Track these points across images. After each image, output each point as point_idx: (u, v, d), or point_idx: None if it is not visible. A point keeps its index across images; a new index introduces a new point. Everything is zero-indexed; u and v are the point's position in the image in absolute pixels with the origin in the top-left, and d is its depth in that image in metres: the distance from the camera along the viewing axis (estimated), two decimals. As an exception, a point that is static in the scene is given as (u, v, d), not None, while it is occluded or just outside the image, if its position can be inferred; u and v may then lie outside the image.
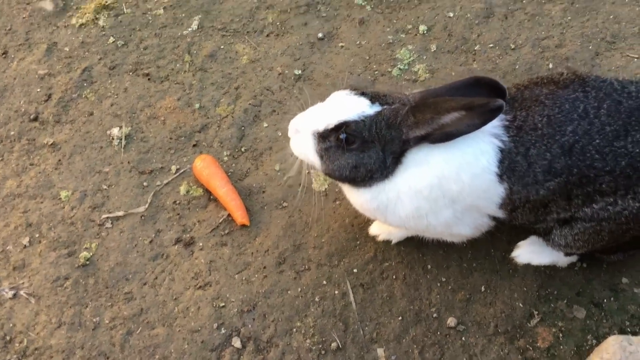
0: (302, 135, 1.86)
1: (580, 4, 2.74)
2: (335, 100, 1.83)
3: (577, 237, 1.86)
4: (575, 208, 1.80)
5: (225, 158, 2.50)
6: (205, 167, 2.40)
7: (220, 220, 2.35)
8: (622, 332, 2.04)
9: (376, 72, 2.66)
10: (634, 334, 2.04)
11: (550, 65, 2.57)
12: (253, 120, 2.60)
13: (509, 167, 1.76)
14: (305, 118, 1.86)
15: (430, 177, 1.80)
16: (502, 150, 1.75)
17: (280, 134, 2.55)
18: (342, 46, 2.75)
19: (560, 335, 2.05)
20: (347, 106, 1.79)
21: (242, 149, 2.52)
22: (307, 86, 2.65)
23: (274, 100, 2.64)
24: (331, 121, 1.78)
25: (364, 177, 1.84)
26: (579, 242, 1.87)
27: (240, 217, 2.31)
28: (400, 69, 2.65)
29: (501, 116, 1.74)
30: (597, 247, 1.90)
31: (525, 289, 2.14)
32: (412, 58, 2.67)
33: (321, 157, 1.85)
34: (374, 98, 1.79)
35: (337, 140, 1.79)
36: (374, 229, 2.26)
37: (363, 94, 1.81)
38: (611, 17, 2.68)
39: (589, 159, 1.71)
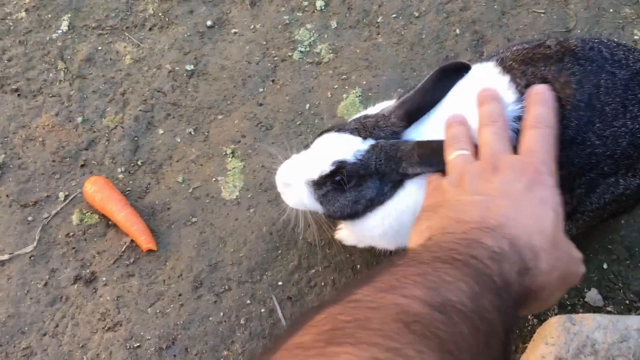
0: (295, 187, 1.72)
1: (480, -39, 2.59)
2: (324, 143, 1.69)
3: (580, 227, 1.78)
4: (578, 198, 1.67)
5: (120, 176, 2.23)
6: (98, 191, 2.12)
7: (124, 248, 2.09)
8: (562, 306, 1.97)
9: (276, 58, 2.43)
10: (573, 307, 1.98)
11: (457, 31, 2.43)
12: (146, 128, 2.32)
13: None
14: (294, 168, 1.72)
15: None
16: None
17: (179, 140, 2.29)
18: (235, 33, 2.49)
19: (501, 319, 1.96)
20: (338, 147, 1.64)
21: (139, 163, 2.25)
22: (202, 82, 2.39)
23: (167, 102, 2.37)
24: (325, 167, 1.65)
25: (365, 209, 1.71)
26: (582, 228, 1.79)
27: (145, 242, 2.06)
28: (301, 51, 2.43)
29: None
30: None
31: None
32: (312, 38, 2.46)
33: (321, 203, 1.73)
34: (362, 133, 1.64)
35: (333, 183, 1.67)
36: (342, 235, 2.06)
37: (353, 130, 1.65)
38: (512, -28, 2.55)
39: (589, 147, 1.58)
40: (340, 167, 1.63)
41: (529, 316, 1.95)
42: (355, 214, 1.73)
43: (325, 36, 2.46)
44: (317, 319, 0.88)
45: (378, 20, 2.48)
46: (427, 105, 1.64)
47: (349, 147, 1.63)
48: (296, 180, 1.71)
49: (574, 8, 2.46)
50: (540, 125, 1.40)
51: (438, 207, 1.26)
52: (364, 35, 2.45)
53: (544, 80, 1.59)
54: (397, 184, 1.67)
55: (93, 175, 2.19)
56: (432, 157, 1.57)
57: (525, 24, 2.43)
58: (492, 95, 1.54)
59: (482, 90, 1.57)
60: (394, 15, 2.49)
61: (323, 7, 2.52)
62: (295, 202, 1.77)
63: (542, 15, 2.45)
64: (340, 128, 1.68)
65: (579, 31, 2.41)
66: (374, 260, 2.05)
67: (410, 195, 1.67)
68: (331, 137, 1.68)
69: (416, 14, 2.48)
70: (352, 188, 1.67)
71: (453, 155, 1.44)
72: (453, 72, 1.66)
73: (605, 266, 2.03)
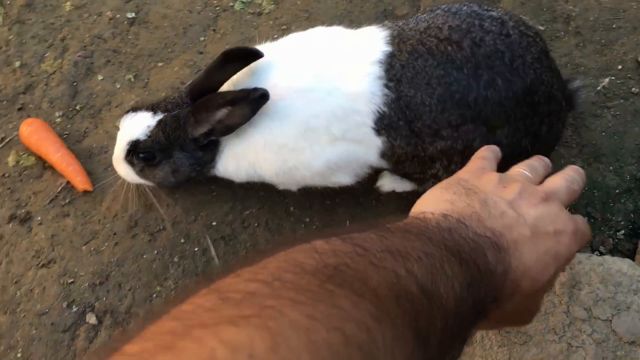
0: (119, 165, 1.90)
1: None
2: (124, 124, 1.85)
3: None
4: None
5: (58, 120, 2.24)
6: (34, 132, 2.13)
7: (59, 189, 2.11)
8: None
9: (217, 9, 2.45)
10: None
11: (396, -14, 2.49)
12: (85, 74, 2.33)
13: (390, 125, 1.72)
14: (115, 149, 1.89)
15: (295, 129, 1.74)
16: (380, 113, 1.70)
17: (118, 86, 2.31)
18: (177, -18, 2.51)
19: (426, 258, 2.04)
20: (133, 126, 1.81)
21: (77, 108, 2.26)
22: (143, 30, 2.40)
23: (108, 49, 2.38)
24: (124, 146, 1.83)
25: (194, 172, 1.87)
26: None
27: (81, 182, 2.09)
28: (243, 2, 2.47)
29: (383, 89, 1.69)
30: None
31: (388, 215, 2.11)
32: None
33: (145, 178, 1.90)
34: (154, 108, 1.81)
35: (140, 160, 1.84)
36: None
37: (148, 107, 1.82)
38: None
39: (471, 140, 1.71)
40: (133, 146, 1.82)
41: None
42: (186, 179, 1.91)
43: (268, -12, 2.50)
44: (324, 248, 0.85)
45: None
46: (211, 86, 1.77)
47: (141, 125, 1.81)
48: (117, 159, 1.90)
49: (510, -32, 2.54)
50: (577, 187, 1.33)
51: (473, 191, 1.17)
52: None
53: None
54: (208, 145, 1.81)
55: (30, 118, 2.19)
56: (201, 113, 1.73)
57: None
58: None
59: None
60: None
61: (266, -40, 2.55)
62: (128, 178, 1.95)
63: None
64: (137, 107, 1.86)
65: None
66: (307, 203, 2.12)
67: (249, 141, 1.78)
68: (129, 116, 1.85)
69: (361, -29, 2.53)
70: (161, 162, 1.84)
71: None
72: (237, 58, 1.75)
73: None
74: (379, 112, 1.71)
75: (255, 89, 1.66)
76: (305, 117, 1.73)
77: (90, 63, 2.35)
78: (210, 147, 1.83)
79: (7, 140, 2.19)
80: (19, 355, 1.87)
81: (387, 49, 1.73)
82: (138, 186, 2.00)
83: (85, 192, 2.11)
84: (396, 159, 1.81)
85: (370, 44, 1.77)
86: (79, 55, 2.35)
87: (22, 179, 2.13)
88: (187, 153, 1.83)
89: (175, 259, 2.02)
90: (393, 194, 2.14)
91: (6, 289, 1.96)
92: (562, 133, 1.91)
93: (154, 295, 1.96)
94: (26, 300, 1.94)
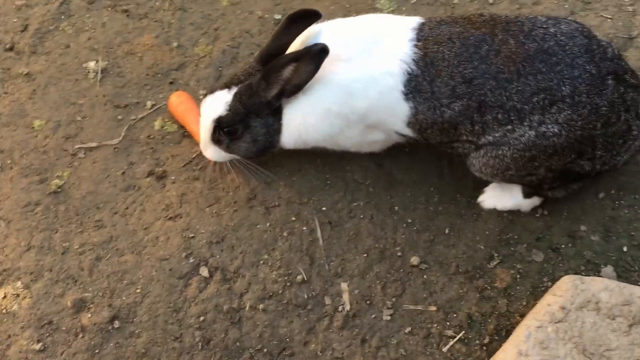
0: (207, 146, 2.17)
1: (560, -35, 2.77)
2: (204, 107, 2.12)
3: (484, 162, 2.01)
4: (477, 135, 1.97)
5: (202, 97, 2.51)
6: (181, 103, 2.41)
7: (194, 156, 2.37)
8: (576, 274, 2.12)
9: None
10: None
11: (526, 22, 2.61)
12: (231, 61, 2.61)
13: (416, 88, 1.95)
14: (201, 134, 2.16)
15: (337, 94, 2.01)
16: (409, 74, 1.95)
17: (257, 76, 2.56)
18: (323, -7, 2.76)
19: (518, 276, 2.12)
20: (213, 106, 2.07)
21: (219, 89, 2.53)
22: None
23: (253, 43, 2.65)
24: (210, 126, 2.09)
25: (268, 142, 2.13)
26: (488, 168, 2.02)
27: None
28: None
29: (413, 49, 1.96)
30: (508, 176, 2.02)
31: (487, 232, 2.21)
32: (392, 8, 2.70)
33: (232, 152, 2.16)
34: (228, 84, 2.07)
35: (225, 135, 2.09)
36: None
37: (222, 85, 2.09)
38: (588, -22, 2.72)
39: (483, 95, 1.90)
40: (218, 122, 2.07)
41: (545, 278, 2.11)
42: (264, 148, 2.15)
43: (404, 8, 2.70)
44: None
45: (454, 2, 2.70)
46: (278, 50, 2.02)
47: (220, 103, 2.05)
48: (205, 143, 2.16)
49: (641, 19, 2.61)
50: None
51: None
52: (439, 13, 2.68)
53: (448, 38, 1.94)
54: (275, 113, 2.06)
55: (179, 91, 2.49)
56: (270, 75, 1.97)
57: (591, 25, 2.58)
58: None
59: None
60: (469, 0, 2.70)
61: (406, -17, 2.76)
62: (217, 157, 2.21)
63: (609, 20, 2.61)
64: (213, 88, 2.11)
65: (641, 40, 2.56)
66: (411, 205, 2.26)
67: (299, 109, 2.04)
68: (207, 99, 2.11)
69: (490, 1, 2.69)
70: (243, 132, 2.09)
71: None
72: (301, 19, 2.02)
73: (625, 249, 2.16)
74: (408, 72, 1.95)
75: (316, 44, 1.91)
76: (347, 82, 1.99)
77: (236, 53, 2.62)
78: (277, 114, 2.07)
79: (157, 107, 2.48)
80: (137, 290, 2.11)
81: (420, 19, 2.04)
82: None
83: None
84: (419, 127, 2.02)
85: (407, 20, 2.06)
86: (228, 45, 2.64)
87: (163, 142, 2.41)
88: (262, 119, 2.07)
89: (285, 234, 2.21)
90: (494, 211, 2.24)
91: (136, 232, 2.22)
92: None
93: (261, 262, 2.16)
94: (151, 245, 2.19)
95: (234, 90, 2.05)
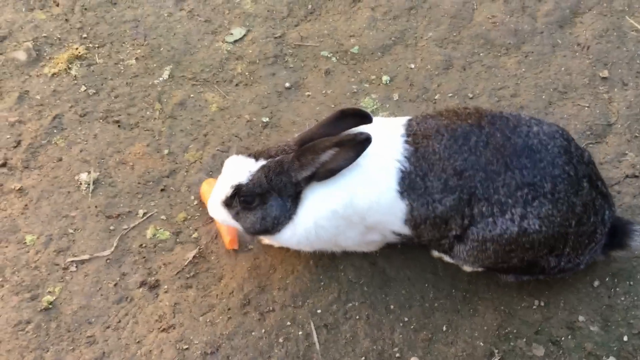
0: (216, 208, 2.13)
1: (534, 57, 2.89)
2: (227, 168, 2.10)
3: (468, 253, 2.05)
4: (464, 229, 2.00)
5: (194, 203, 2.54)
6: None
7: (186, 263, 2.37)
8: (580, 369, 2.08)
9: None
10: (592, 370, 2.08)
11: (506, 113, 2.69)
12: (221, 165, 2.63)
13: (410, 185, 1.99)
14: (214, 192, 2.13)
15: (342, 197, 2.02)
16: (403, 172, 1.99)
17: (247, 179, 2.60)
18: (308, 95, 2.85)
19: (520, 373, 2.08)
20: (236, 171, 2.06)
21: (210, 194, 2.56)
22: (274, 132, 2.73)
23: (242, 146, 2.71)
24: (227, 189, 2.06)
25: (273, 225, 2.08)
26: (471, 257, 2.06)
27: (231, 242, 2.34)
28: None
29: (404, 145, 2.02)
30: (487, 263, 2.08)
31: (485, 328, 2.18)
32: (375, 106, 2.78)
33: (237, 220, 2.12)
34: (257, 155, 2.06)
35: (239, 203, 2.07)
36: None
37: (249, 155, 2.07)
38: (562, 69, 2.83)
39: (474, 187, 1.95)
40: (237, 189, 2.03)
41: (547, 373, 2.06)
42: (266, 230, 2.10)
43: (387, 105, 2.78)
44: None
45: (435, 97, 2.79)
46: (320, 136, 2.02)
47: (244, 170, 2.03)
48: (215, 202, 2.12)
49: (617, 105, 2.70)
50: None
51: None
52: (421, 109, 2.76)
53: (437, 130, 1.99)
54: (295, 198, 2.04)
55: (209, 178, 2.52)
56: (307, 156, 1.95)
57: (570, 114, 2.68)
58: None
59: None
60: (450, 95, 2.79)
61: (388, 82, 2.86)
62: (221, 219, 2.17)
63: (586, 108, 2.69)
64: (240, 151, 2.09)
65: (619, 126, 2.63)
66: (407, 303, 2.24)
67: (312, 207, 2.03)
68: (231, 161, 2.09)
69: (470, 95, 2.78)
70: (257, 206, 2.05)
71: None
72: (352, 117, 2.04)
73: (625, 339, 2.13)
74: (401, 170, 1.99)
75: (361, 133, 1.94)
76: (352, 184, 2.00)
77: (226, 156, 2.64)
78: (295, 202, 2.05)
79: (149, 215, 2.50)
80: (131, 409, 2.05)
81: (409, 117, 2.11)
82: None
83: (208, 269, 2.34)
84: (414, 223, 2.04)
85: (397, 121, 2.11)
86: (218, 149, 2.69)
87: (155, 250, 2.41)
88: (281, 200, 2.04)
89: (281, 340, 2.18)
90: (491, 304, 2.22)
91: (129, 347, 2.18)
92: None
93: (257, 371, 2.11)
94: None
95: (262, 162, 2.04)
